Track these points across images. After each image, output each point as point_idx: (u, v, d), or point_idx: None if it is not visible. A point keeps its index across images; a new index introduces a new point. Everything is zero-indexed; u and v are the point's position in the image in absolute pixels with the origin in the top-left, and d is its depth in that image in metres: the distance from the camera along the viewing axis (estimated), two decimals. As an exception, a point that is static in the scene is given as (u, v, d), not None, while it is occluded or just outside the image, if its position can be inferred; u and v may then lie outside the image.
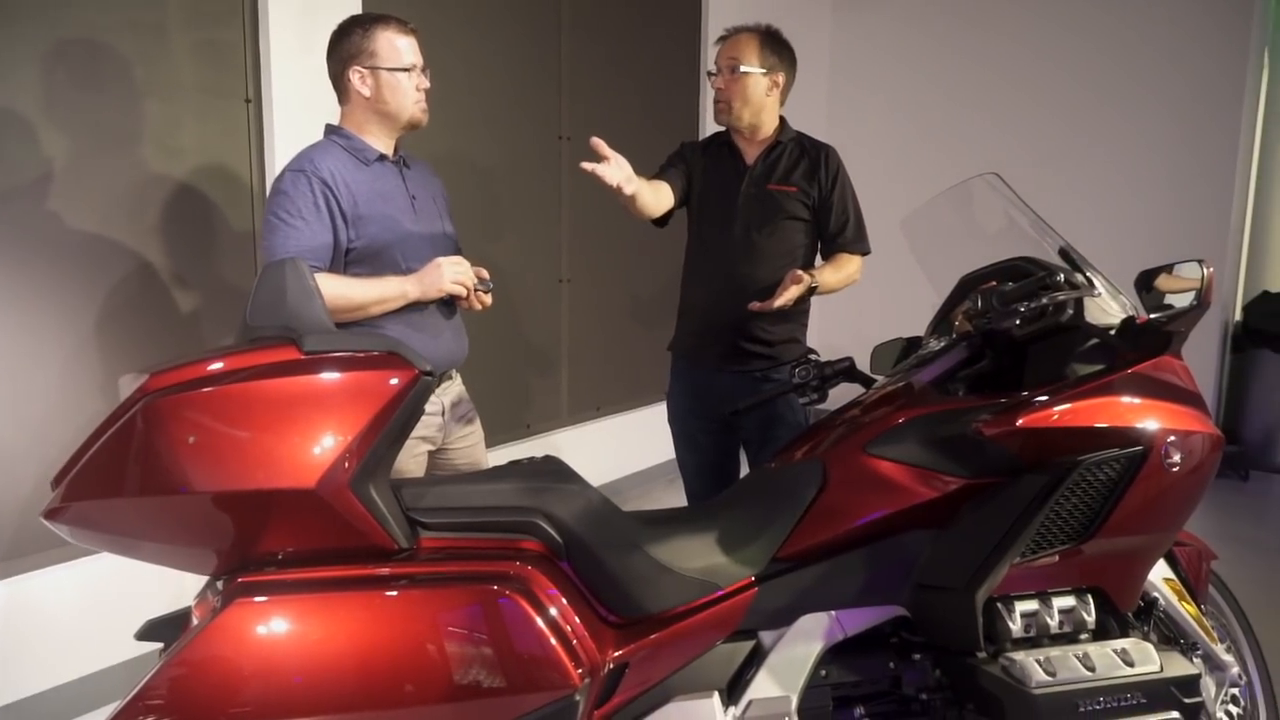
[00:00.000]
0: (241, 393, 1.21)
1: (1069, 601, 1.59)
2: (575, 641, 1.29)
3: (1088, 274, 1.75)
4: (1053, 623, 1.56)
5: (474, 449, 2.23)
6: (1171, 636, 1.83)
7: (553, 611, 1.27)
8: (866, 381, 2.00)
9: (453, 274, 1.97)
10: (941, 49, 5.25)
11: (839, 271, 2.32)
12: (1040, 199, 5.29)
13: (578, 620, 1.33)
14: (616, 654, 1.39)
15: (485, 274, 2.08)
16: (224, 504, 1.20)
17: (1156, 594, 1.80)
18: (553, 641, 1.22)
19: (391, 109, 1.98)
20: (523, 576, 1.29)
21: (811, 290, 2.23)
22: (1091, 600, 1.60)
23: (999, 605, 1.56)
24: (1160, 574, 1.83)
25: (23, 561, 2.31)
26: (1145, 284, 1.68)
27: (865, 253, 2.38)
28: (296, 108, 2.68)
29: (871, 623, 1.56)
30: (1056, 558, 1.56)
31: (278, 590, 1.19)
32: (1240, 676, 1.92)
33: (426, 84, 2.03)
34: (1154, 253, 4.67)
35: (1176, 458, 1.58)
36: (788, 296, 2.16)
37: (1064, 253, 1.83)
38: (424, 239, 2.04)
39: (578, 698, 1.22)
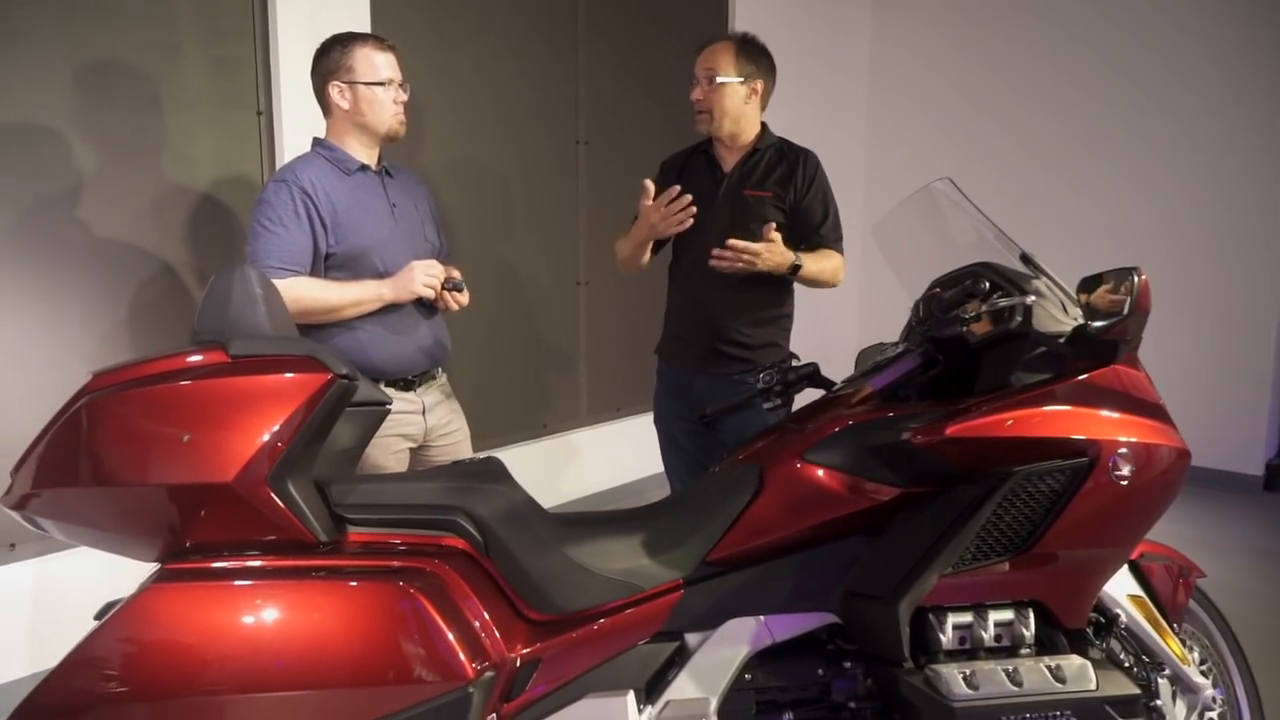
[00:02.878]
0: (169, 393, 1.30)
1: (1006, 615, 1.56)
2: (481, 636, 1.34)
3: (1041, 280, 1.72)
4: (987, 635, 1.54)
5: (457, 446, 2.31)
6: (1137, 655, 1.78)
7: (453, 606, 1.32)
8: (830, 387, 1.99)
9: (424, 276, 2.05)
10: (983, 52, 5.12)
11: (821, 261, 2.31)
12: (1092, 201, 5.11)
13: (486, 616, 1.38)
14: (529, 649, 1.43)
15: (457, 275, 2.16)
16: (153, 497, 1.29)
17: (1119, 611, 1.75)
18: (447, 635, 1.27)
19: (369, 121, 2.08)
20: (429, 572, 1.34)
21: (795, 269, 2.23)
22: (1032, 614, 1.57)
23: (931, 615, 1.54)
24: (1124, 590, 1.77)
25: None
26: (1087, 291, 1.63)
27: (842, 254, 2.37)
28: (305, 119, 2.80)
29: (803, 629, 1.57)
30: (994, 569, 1.54)
31: (193, 578, 1.27)
32: (1216, 699, 1.85)
33: (404, 97, 2.12)
34: (1206, 254, 4.53)
35: (1125, 470, 1.54)
36: (752, 248, 2.17)
37: (1025, 258, 1.80)
38: (403, 245, 2.12)
39: (471, 690, 1.27)
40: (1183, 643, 1.91)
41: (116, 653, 1.21)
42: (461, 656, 1.27)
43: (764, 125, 2.39)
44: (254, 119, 2.78)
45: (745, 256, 2.17)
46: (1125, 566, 1.80)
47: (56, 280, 2.44)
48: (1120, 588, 1.77)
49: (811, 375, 2.02)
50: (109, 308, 2.53)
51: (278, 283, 1.90)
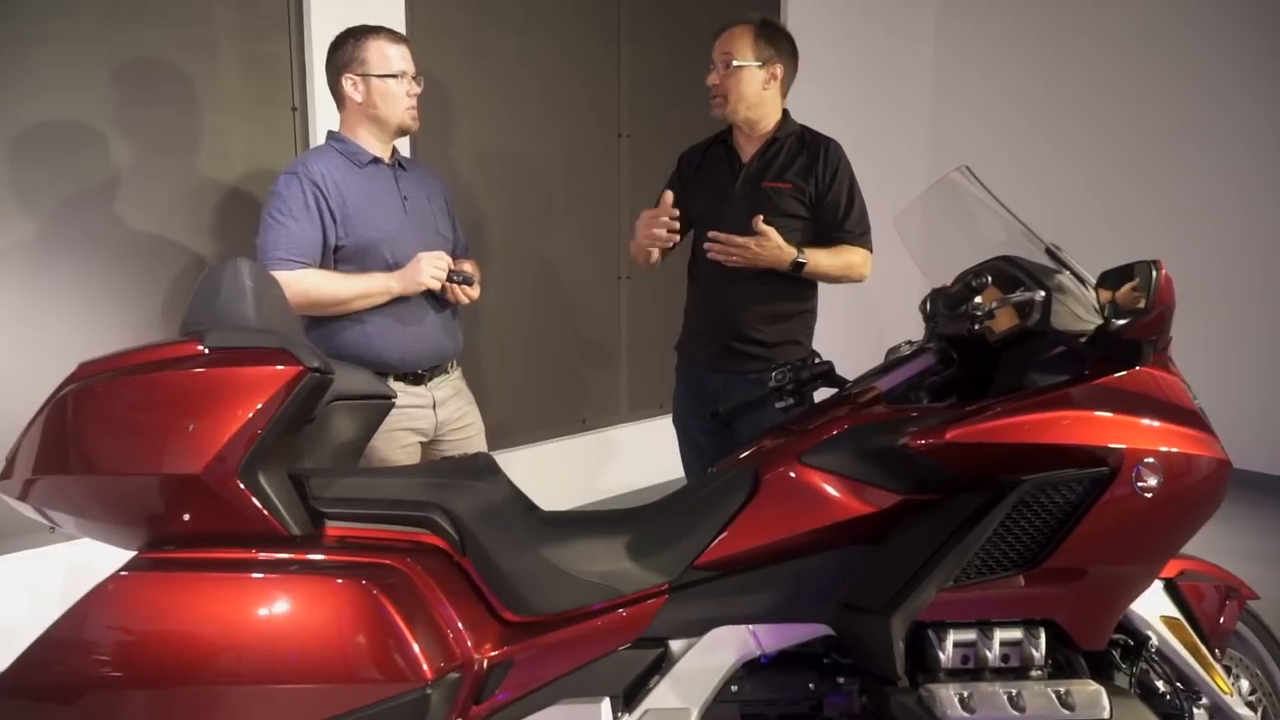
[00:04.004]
0: (144, 383, 1.31)
1: (1014, 634, 1.45)
2: (446, 636, 1.31)
3: (1065, 275, 1.60)
4: (992, 655, 1.44)
5: (469, 441, 2.30)
6: (1171, 683, 1.64)
7: (417, 605, 1.30)
8: (844, 386, 1.90)
9: (430, 269, 2.04)
10: (1050, 55, 4.89)
11: (836, 256, 2.21)
12: (1161, 203, 4.84)
13: (455, 615, 1.35)
14: (502, 651, 1.39)
15: (468, 268, 2.14)
16: (128, 486, 1.30)
17: (1150, 633, 1.61)
18: (406, 636, 1.25)
19: (381, 114, 2.07)
20: (394, 569, 1.32)
21: (798, 267, 2.14)
22: (1043, 634, 1.46)
23: (931, 632, 1.45)
24: (1157, 610, 1.63)
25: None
26: (1110, 287, 1.50)
27: (868, 249, 2.26)
28: (339, 115, 2.83)
29: (794, 641, 1.49)
30: (1001, 585, 1.44)
31: (156, 567, 1.28)
32: (1264, 733, 1.69)
33: (417, 90, 2.11)
34: (1260, 250, 4.22)
35: (1152, 481, 1.42)
36: (736, 240, 2.10)
37: (1050, 251, 1.68)
38: (413, 238, 2.11)
39: (429, 691, 1.24)
40: (1228, 671, 1.76)
41: (76, 640, 1.23)
42: (420, 657, 1.24)
43: (786, 113, 2.30)
44: (289, 115, 2.82)
45: (733, 251, 2.09)
46: (1159, 585, 1.66)
47: (96, 272, 2.52)
48: (1153, 608, 1.63)
49: (826, 374, 1.93)
50: (147, 299, 2.61)
51: (285, 275, 1.93)
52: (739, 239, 2.10)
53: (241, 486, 1.29)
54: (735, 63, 2.19)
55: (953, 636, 1.44)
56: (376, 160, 2.12)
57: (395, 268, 2.07)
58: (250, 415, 1.29)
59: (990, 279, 1.51)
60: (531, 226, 3.65)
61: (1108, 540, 1.43)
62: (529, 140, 3.54)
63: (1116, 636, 1.60)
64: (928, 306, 1.61)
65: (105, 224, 2.53)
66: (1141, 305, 1.40)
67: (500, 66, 3.40)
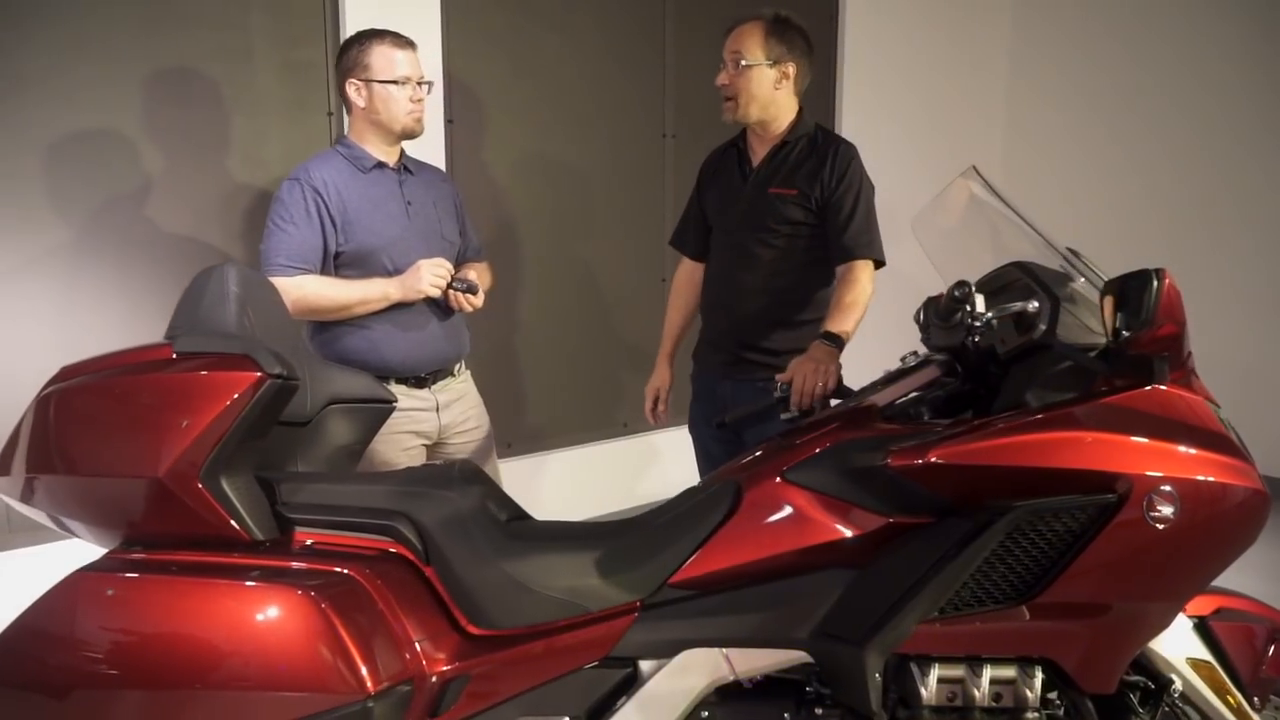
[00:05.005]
0: (113, 387, 1.34)
1: (1007, 672, 1.34)
2: (399, 648, 1.29)
3: (1081, 283, 1.47)
4: (980, 694, 1.33)
5: (475, 445, 2.28)
6: (1199, 732, 1.49)
7: (365, 615, 1.28)
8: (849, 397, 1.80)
9: (430, 276, 2.03)
10: (1129, 57, 4.61)
11: (847, 294, 2.03)
12: (1247, 207, 4.52)
13: (410, 627, 1.32)
14: (460, 665, 1.36)
15: (472, 275, 2.12)
16: (97, 487, 1.33)
17: (1174, 676, 1.47)
18: (348, 646, 1.22)
19: (384, 119, 2.07)
20: (346, 578, 1.30)
21: (838, 341, 1.94)
22: (1038, 673, 1.34)
23: (914, 665, 1.35)
24: (1184, 651, 1.49)
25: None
26: (1117, 296, 1.37)
27: (876, 259, 2.11)
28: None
29: (770, 667, 1.41)
30: (992, 618, 1.33)
31: (120, 568, 1.30)
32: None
33: (422, 95, 2.10)
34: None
35: (1167, 511, 1.28)
36: (805, 389, 1.78)
37: (1069, 258, 1.55)
38: (416, 243, 2.11)
39: (371, 705, 1.22)
40: (1273, 722, 1.60)
41: (35, 631, 1.27)
42: (362, 668, 1.22)
43: (800, 112, 2.20)
44: (324, 120, 2.87)
45: (805, 396, 1.78)
46: (1187, 624, 1.52)
47: (136, 273, 2.62)
48: (1179, 648, 1.49)
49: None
50: (180, 294, 2.69)
51: (284, 281, 1.95)
52: (804, 387, 1.79)
53: (203, 490, 1.29)
54: (745, 62, 2.11)
55: (938, 671, 1.34)
56: (381, 165, 2.13)
57: (397, 273, 2.07)
58: (211, 420, 1.29)
59: (973, 287, 1.40)
60: (574, 229, 3.63)
61: (1114, 574, 1.31)
62: (572, 141, 3.52)
63: (1135, 679, 1.47)
64: (920, 317, 1.51)
65: (142, 226, 2.62)
66: (1146, 318, 1.27)
67: (541, 67, 3.39)
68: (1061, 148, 4.85)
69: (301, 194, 2.00)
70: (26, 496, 1.42)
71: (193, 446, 1.28)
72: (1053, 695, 1.39)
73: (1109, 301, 1.37)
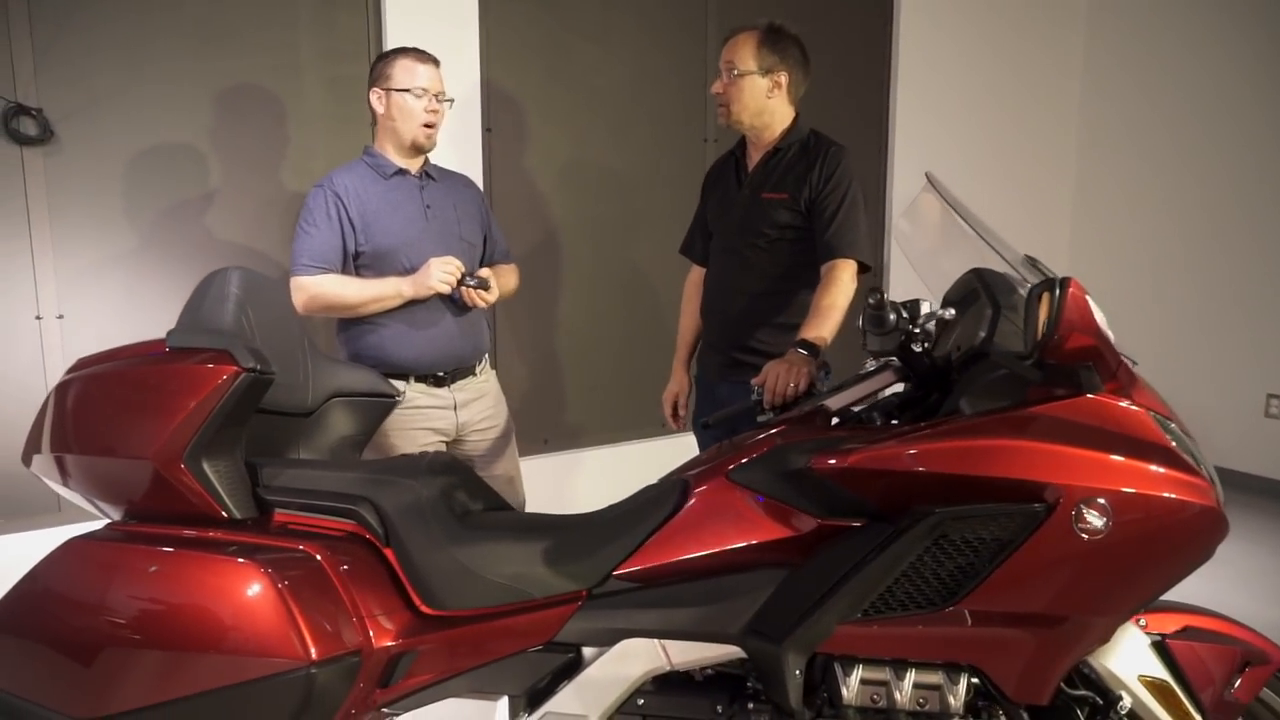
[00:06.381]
0: (114, 376, 1.50)
1: (932, 677, 1.35)
2: (349, 621, 1.40)
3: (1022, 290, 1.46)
4: (902, 697, 1.35)
5: (494, 442, 2.38)
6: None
7: (318, 590, 1.39)
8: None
9: (439, 273, 2.14)
10: (1207, 70, 4.38)
11: (825, 296, 2.03)
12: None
13: (365, 603, 1.44)
14: (410, 641, 1.46)
15: (485, 272, 2.22)
16: (97, 466, 1.50)
17: (1122, 693, 1.44)
18: (295, 616, 1.34)
19: (398, 126, 2.21)
20: (304, 555, 1.42)
21: (813, 349, 1.92)
22: (964, 680, 1.35)
23: (838, 666, 1.38)
24: (1136, 669, 1.46)
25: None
26: (1034, 305, 1.35)
27: (858, 260, 2.09)
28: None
29: (705, 660, 1.46)
30: (915, 622, 1.34)
31: (112, 537, 1.46)
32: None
33: (437, 107, 2.22)
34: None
35: (1098, 523, 1.28)
36: (776, 390, 1.79)
37: (1027, 261, 1.54)
38: (434, 244, 2.23)
39: (313, 671, 1.33)
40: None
41: (32, 591, 1.44)
42: (308, 637, 1.34)
43: (796, 119, 2.22)
44: (369, 132, 3.04)
45: (776, 397, 1.79)
46: (1144, 641, 1.48)
47: (194, 273, 2.80)
48: (1131, 665, 1.46)
49: (805, 390, 1.86)
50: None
51: (306, 280, 2.11)
52: (775, 388, 1.80)
53: (186, 471, 1.44)
54: (737, 70, 2.15)
55: (861, 673, 1.36)
56: (402, 171, 2.26)
57: (414, 272, 2.20)
58: (192, 408, 1.43)
59: (885, 295, 1.42)
60: (614, 233, 3.72)
61: (1041, 584, 1.30)
62: (611, 148, 3.60)
63: (1084, 694, 1.45)
64: (860, 324, 1.53)
65: (200, 231, 2.86)
66: (1045, 328, 1.26)
67: (579, 75, 3.49)
68: (1135, 177, 4.67)
69: (324, 199, 2.16)
70: (55, 475, 1.60)
71: (176, 431, 1.43)
72: (985, 704, 1.39)
73: (1031, 311, 1.36)
